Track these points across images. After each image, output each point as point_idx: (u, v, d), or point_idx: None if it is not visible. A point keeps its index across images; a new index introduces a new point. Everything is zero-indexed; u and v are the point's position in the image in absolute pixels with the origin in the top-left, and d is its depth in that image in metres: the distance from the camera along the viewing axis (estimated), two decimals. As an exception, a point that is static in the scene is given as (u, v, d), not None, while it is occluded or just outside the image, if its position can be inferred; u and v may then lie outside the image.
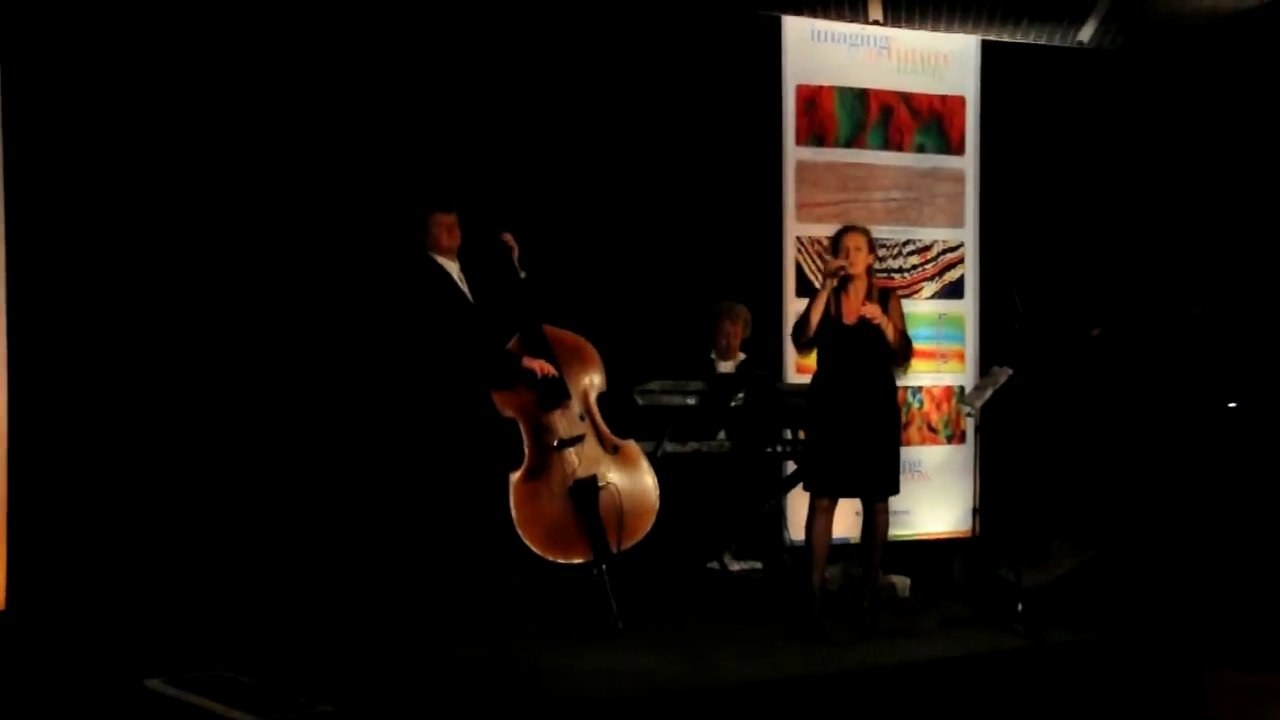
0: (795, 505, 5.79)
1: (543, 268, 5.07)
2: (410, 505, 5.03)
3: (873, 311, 4.71)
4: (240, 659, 4.20)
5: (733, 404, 5.28)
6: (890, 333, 4.72)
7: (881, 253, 6.13)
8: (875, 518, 4.86)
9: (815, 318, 4.80)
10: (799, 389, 5.23)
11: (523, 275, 4.92)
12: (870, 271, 4.85)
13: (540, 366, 4.78)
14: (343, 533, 5.33)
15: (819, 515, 4.80)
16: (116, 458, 5.03)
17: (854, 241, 4.81)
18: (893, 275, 6.19)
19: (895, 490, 4.85)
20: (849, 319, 4.80)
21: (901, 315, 4.84)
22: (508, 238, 4.92)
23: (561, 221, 5.83)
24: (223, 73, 5.27)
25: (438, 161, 5.61)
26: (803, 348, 4.92)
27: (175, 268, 5.22)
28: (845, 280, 4.82)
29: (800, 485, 5.11)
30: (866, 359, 4.77)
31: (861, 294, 4.81)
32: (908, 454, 6.15)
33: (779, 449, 5.51)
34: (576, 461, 4.82)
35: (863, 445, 4.74)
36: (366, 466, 5.43)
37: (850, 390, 4.76)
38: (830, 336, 4.82)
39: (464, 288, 4.84)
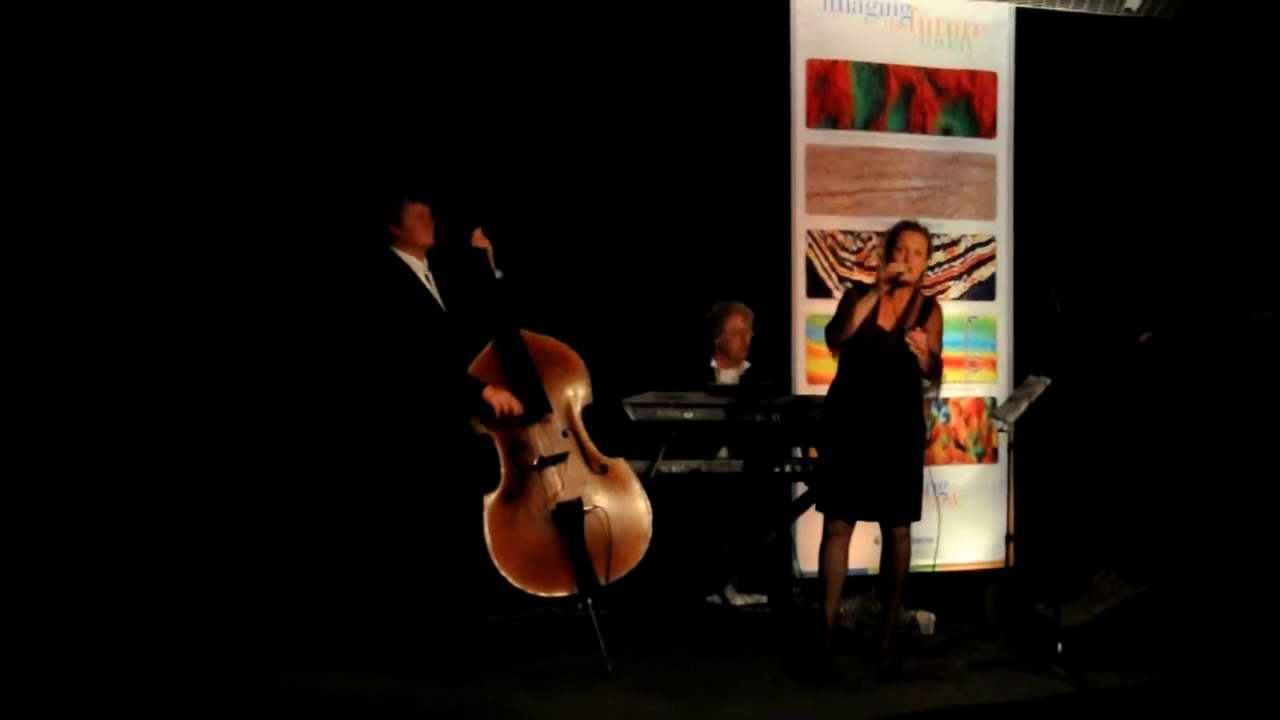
0: (806, 532, 5.77)
1: (520, 266, 5.04)
2: (373, 531, 5.04)
3: (919, 342, 4.71)
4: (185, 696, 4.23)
5: (760, 419, 5.26)
6: (924, 360, 4.73)
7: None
8: (896, 545, 4.83)
9: (860, 318, 4.77)
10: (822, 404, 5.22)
11: (498, 275, 4.90)
12: (926, 270, 4.88)
13: (503, 403, 4.72)
14: (297, 561, 5.34)
15: (834, 540, 4.78)
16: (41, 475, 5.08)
17: (915, 243, 4.79)
18: (920, 328, 6.17)
19: (917, 515, 4.83)
20: (885, 323, 4.80)
21: (940, 332, 4.84)
22: (480, 236, 4.90)
23: (541, 214, 5.80)
24: (177, 51, 5.34)
25: (402, 143, 5.60)
26: (837, 348, 4.90)
27: (120, 259, 5.29)
28: (895, 283, 4.81)
29: (812, 508, 5.08)
30: (895, 369, 4.76)
31: (905, 300, 4.81)
32: (933, 474, 6.08)
33: (788, 468, 5.50)
34: (559, 483, 4.81)
35: (883, 464, 4.72)
36: (325, 489, 5.44)
37: (873, 402, 4.74)
38: (860, 341, 4.81)
39: (433, 290, 4.81)
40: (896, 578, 4.85)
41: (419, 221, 4.76)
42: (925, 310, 4.84)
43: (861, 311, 4.78)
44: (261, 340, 5.48)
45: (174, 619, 4.95)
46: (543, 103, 5.85)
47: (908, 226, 4.84)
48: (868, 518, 4.83)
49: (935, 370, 4.82)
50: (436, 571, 4.62)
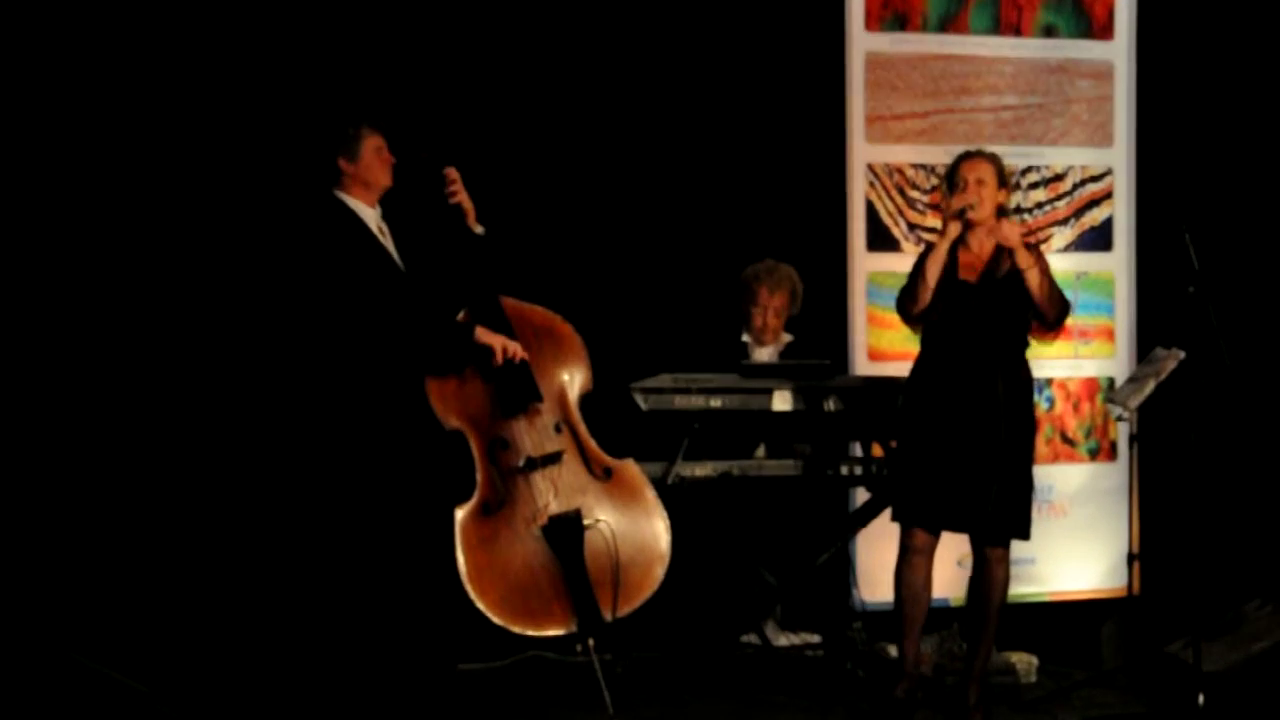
0: (869, 551, 5.77)
1: (501, 213, 5.03)
2: (311, 555, 5.03)
3: (1010, 234, 4.73)
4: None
5: (808, 407, 5.28)
6: (1034, 279, 4.72)
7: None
8: (991, 569, 4.82)
9: (933, 276, 4.78)
10: (892, 386, 5.23)
11: (479, 231, 4.91)
12: (1003, 213, 4.87)
13: (504, 344, 4.77)
14: (211, 591, 5.39)
15: (913, 558, 4.79)
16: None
17: (975, 172, 4.81)
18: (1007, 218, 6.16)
19: (1024, 533, 4.84)
20: (968, 276, 4.82)
21: (1055, 284, 4.85)
22: (451, 174, 4.89)
23: (528, 144, 5.80)
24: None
25: (346, 57, 5.61)
26: (915, 321, 4.91)
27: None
28: (966, 227, 4.82)
29: (876, 522, 5.10)
30: (995, 334, 4.77)
31: (988, 246, 4.83)
32: (1034, 476, 6.13)
33: (845, 471, 5.47)
34: (551, 491, 4.81)
35: (979, 462, 4.73)
36: (249, 501, 5.47)
37: (969, 379, 4.75)
38: (945, 303, 4.81)
39: (388, 245, 4.81)
40: (990, 610, 4.85)
41: (378, 157, 4.75)
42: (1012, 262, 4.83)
43: (934, 268, 4.78)
44: (153, 311, 5.51)
45: (42, 667, 4.96)
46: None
47: (968, 156, 4.88)
48: (956, 528, 4.85)
49: (1057, 302, 4.79)
50: (393, 607, 4.62)
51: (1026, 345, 4.87)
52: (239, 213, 5.50)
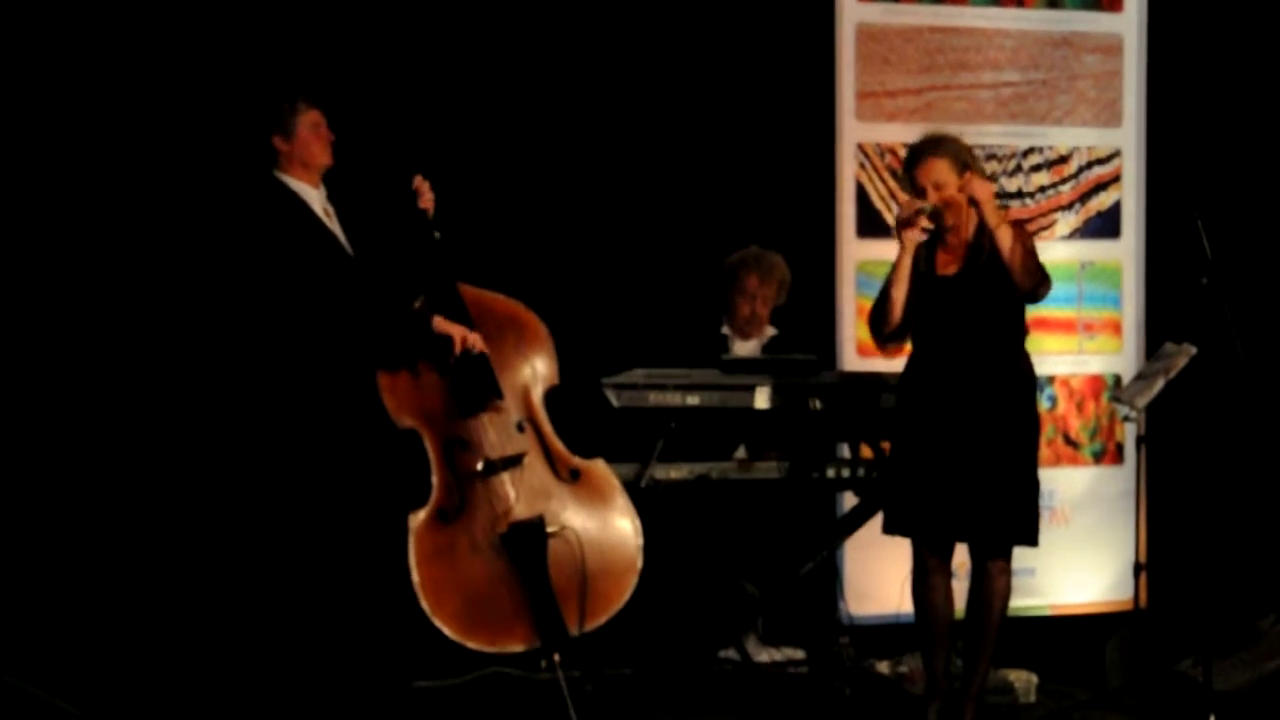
0: (857, 561, 5.79)
1: (461, 196, 5.03)
2: (255, 565, 5.04)
3: (978, 190, 4.65)
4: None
5: (792, 405, 5.28)
6: (1005, 238, 4.63)
7: (993, 166, 6.13)
8: (990, 582, 4.81)
9: (900, 295, 4.78)
10: (884, 383, 5.24)
11: (437, 235, 4.89)
12: (973, 200, 4.81)
13: (464, 334, 4.74)
14: (150, 605, 5.38)
15: (931, 578, 4.82)
16: None
17: (930, 175, 4.76)
18: (1006, 203, 6.13)
19: (1030, 538, 4.81)
20: (949, 269, 4.80)
21: (1032, 251, 4.79)
22: (421, 185, 4.87)
23: (488, 122, 5.79)
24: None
25: (284, 29, 5.58)
26: (888, 341, 4.91)
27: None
28: (939, 220, 4.79)
29: (873, 524, 5.10)
30: (984, 327, 4.75)
31: (968, 230, 4.80)
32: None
33: (831, 473, 5.47)
34: (513, 495, 4.79)
35: (977, 465, 4.72)
36: (187, 508, 5.46)
37: (962, 378, 4.74)
38: (926, 302, 4.80)
39: (334, 228, 4.78)
40: (989, 625, 4.84)
41: (315, 134, 4.73)
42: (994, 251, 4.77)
43: (899, 288, 4.79)
44: (84, 305, 5.48)
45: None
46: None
47: (919, 151, 4.80)
48: (951, 538, 4.85)
49: (1033, 271, 4.70)
50: (342, 621, 4.60)
51: (1023, 335, 4.84)
52: (173, 197, 5.48)
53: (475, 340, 4.75)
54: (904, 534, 4.83)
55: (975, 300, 4.75)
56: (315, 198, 4.74)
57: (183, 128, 5.53)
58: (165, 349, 5.53)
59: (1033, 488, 4.82)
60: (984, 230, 4.76)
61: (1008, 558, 4.82)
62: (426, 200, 4.88)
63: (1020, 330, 4.84)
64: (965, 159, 4.80)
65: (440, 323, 4.74)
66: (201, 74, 5.55)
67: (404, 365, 4.78)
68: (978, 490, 4.72)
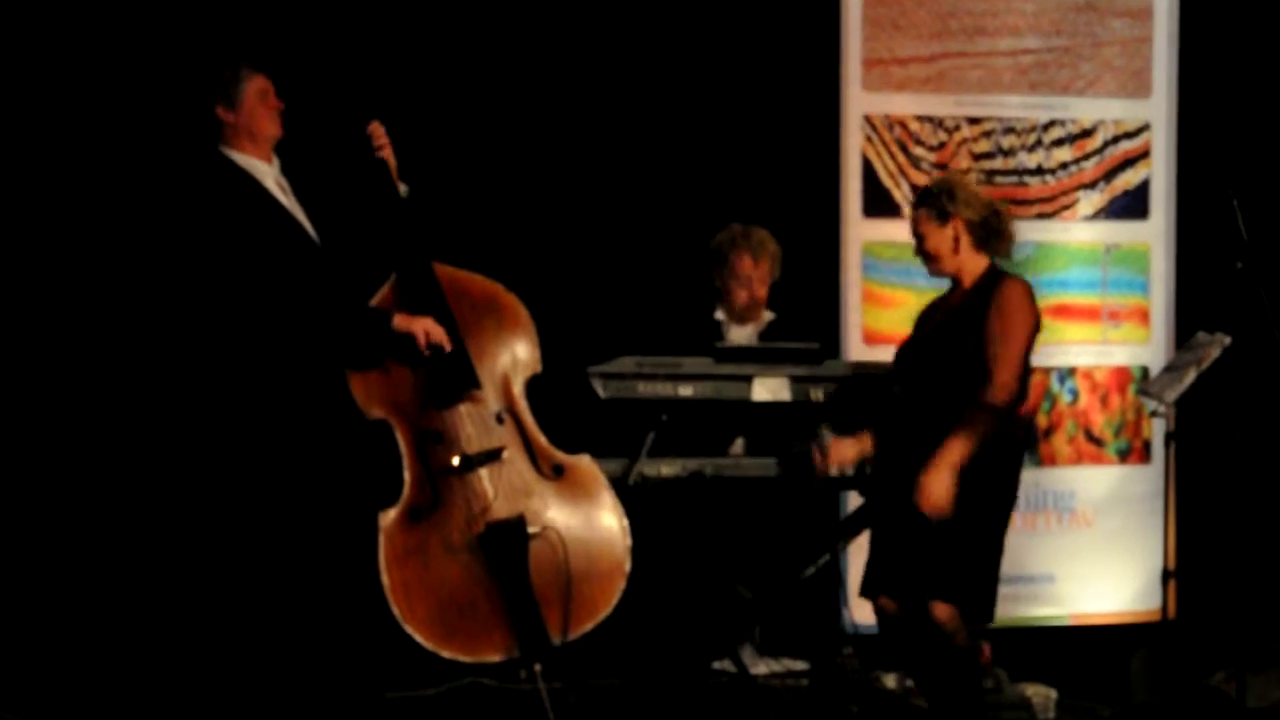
0: (861, 566, 5.74)
1: (435, 169, 5.08)
2: (216, 565, 5.10)
3: (925, 495, 4.61)
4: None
5: (793, 396, 5.31)
6: (932, 485, 4.60)
7: (1012, 141, 6.18)
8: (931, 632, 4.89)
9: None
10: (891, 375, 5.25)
11: (403, 191, 4.92)
12: (976, 239, 4.80)
13: (426, 328, 4.76)
14: (105, 615, 5.42)
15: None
16: None
17: (914, 223, 4.88)
18: (1025, 181, 6.22)
19: (978, 610, 4.76)
20: (932, 324, 4.90)
21: (1013, 333, 4.69)
22: (378, 132, 4.90)
23: (463, 92, 5.83)
24: None
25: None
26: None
27: None
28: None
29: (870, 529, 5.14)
30: (954, 387, 4.71)
31: (968, 281, 4.82)
32: (1054, 480, 6.22)
33: (834, 471, 5.47)
34: (491, 492, 4.82)
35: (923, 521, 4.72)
36: (142, 508, 5.51)
37: (918, 431, 4.78)
38: (908, 360, 4.92)
39: (289, 203, 4.79)
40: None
41: (262, 103, 4.74)
42: (990, 288, 4.75)
43: None
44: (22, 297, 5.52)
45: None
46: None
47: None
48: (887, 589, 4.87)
49: (986, 394, 4.65)
50: (307, 627, 4.63)
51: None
52: (109, 180, 5.51)
53: (439, 336, 4.76)
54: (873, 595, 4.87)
55: (942, 348, 4.79)
56: (267, 172, 4.75)
57: (113, 100, 5.54)
58: (108, 342, 5.57)
59: (990, 556, 4.74)
60: (982, 282, 4.79)
61: (952, 605, 4.70)
62: (384, 148, 4.88)
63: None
64: (944, 207, 4.80)
65: (401, 320, 4.74)
66: (131, 38, 5.56)
67: (364, 366, 4.79)
68: (928, 541, 4.67)
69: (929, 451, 4.64)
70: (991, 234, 4.81)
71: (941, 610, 4.66)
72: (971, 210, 4.80)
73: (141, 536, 5.53)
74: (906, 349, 4.94)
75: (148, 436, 5.55)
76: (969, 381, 4.67)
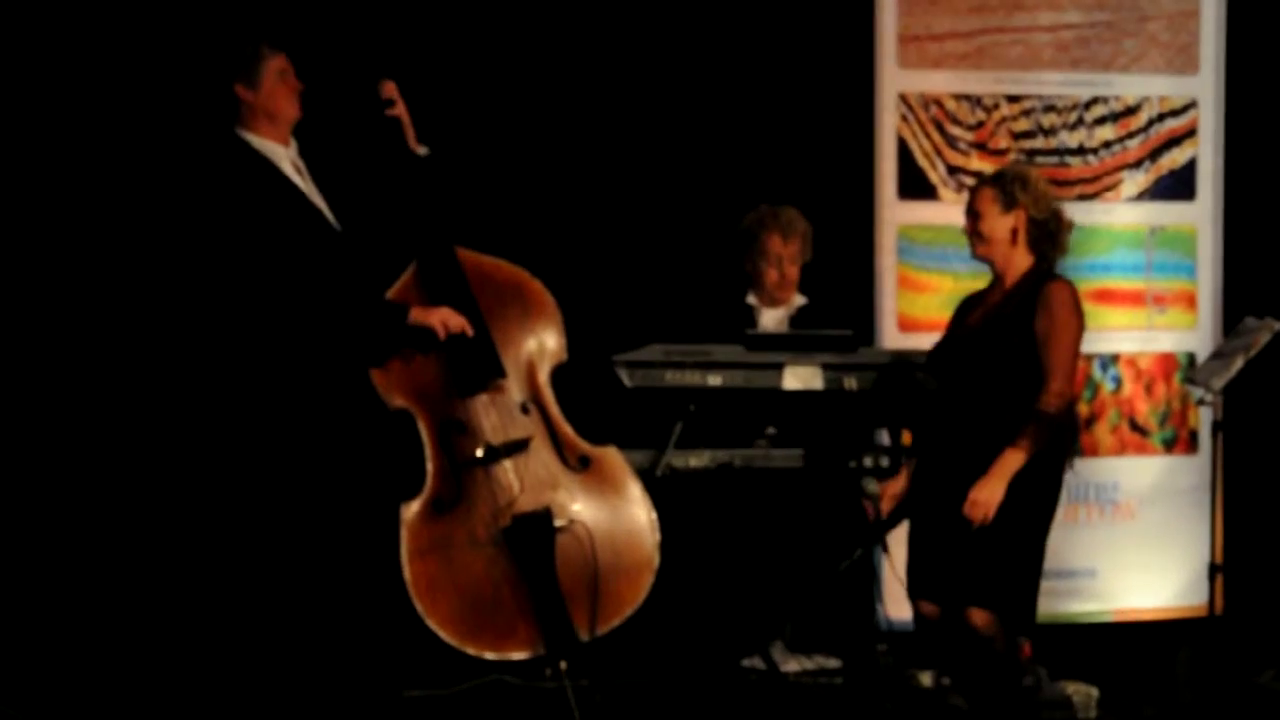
0: (899, 559, 5.85)
1: (460, 155, 5.08)
2: (232, 559, 5.14)
3: (979, 507, 4.68)
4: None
5: (826, 385, 5.31)
6: (983, 494, 4.67)
7: (1052, 120, 6.17)
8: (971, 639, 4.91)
9: None
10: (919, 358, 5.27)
11: (421, 152, 4.92)
12: (1030, 237, 4.84)
13: (443, 319, 4.78)
14: (116, 608, 5.48)
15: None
16: None
17: (974, 200, 4.90)
18: (1067, 161, 6.21)
19: (1019, 616, 4.82)
20: (974, 320, 4.92)
21: (1060, 332, 4.76)
22: (390, 90, 4.93)
23: (484, 63, 5.87)
24: None
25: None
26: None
27: None
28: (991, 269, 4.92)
29: (907, 525, 5.16)
30: (998, 386, 4.76)
31: (1012, 276, 4.86)
32: (1095, 471, 6.22)
33: (868, 463, 5.48)
34: (516, 484, 4.85)
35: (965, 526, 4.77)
36: (155, 501, 5.57)
37: (965, 439, 4.82)
38: (949, 356, 4.95)
39: (307, 187, 4.81)
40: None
41: (281, 82, 4.75)
42: (1035, 289, 4.79)
43: None
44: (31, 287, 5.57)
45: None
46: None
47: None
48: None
49: (1043, 402, 4.71)
50: (326, 623, 4.66)
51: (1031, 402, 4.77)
52: (125, 162, 5.55)
53: (459, 323, 4.78)
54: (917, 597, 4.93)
55: (986, 352, 4.81)
56: (284, 155, 4.76)
57: (127, 83, 5.58)
58: (121, 332, 5.61)
59: (1032, 565, 4.80)
60: (1027, 281, 4.82)
61: (992, 612, 4.76)
62: (397, 105, 4.90)
63: (1036, 389, 4.78)
64: (1014, 194, 4.83)
65: (418, 313, 4.75)
66: (145, 20, 5.60)
67: (381, 361, 4.82)
68: (968, 546, 4.74)
69: (973, 458, 4.70)
70: (1047, 237, 4.85)
71: (980, 617, 4.72)
72: (1038, 208, 4.83)
73: (157, 530, 5.57)
74: (944, 346, 4.96)
75: (162, 427, 5.58)
76: (1016, 386, 4.72)
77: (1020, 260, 4.86)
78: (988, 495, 4.65)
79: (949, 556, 4.76)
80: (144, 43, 5.58)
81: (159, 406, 5.59)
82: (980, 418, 4.75)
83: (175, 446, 5.57)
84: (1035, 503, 4.76)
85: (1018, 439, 4.64)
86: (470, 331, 4.81)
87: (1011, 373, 4.75)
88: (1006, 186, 4.85)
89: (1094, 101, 6.27)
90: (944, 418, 4.88)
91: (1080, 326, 4.78)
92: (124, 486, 5.58)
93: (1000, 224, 4.85)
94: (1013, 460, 4.64)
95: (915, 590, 4.91)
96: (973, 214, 4.88)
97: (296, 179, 4.78)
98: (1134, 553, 6.17)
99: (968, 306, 4.99)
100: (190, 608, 5.45)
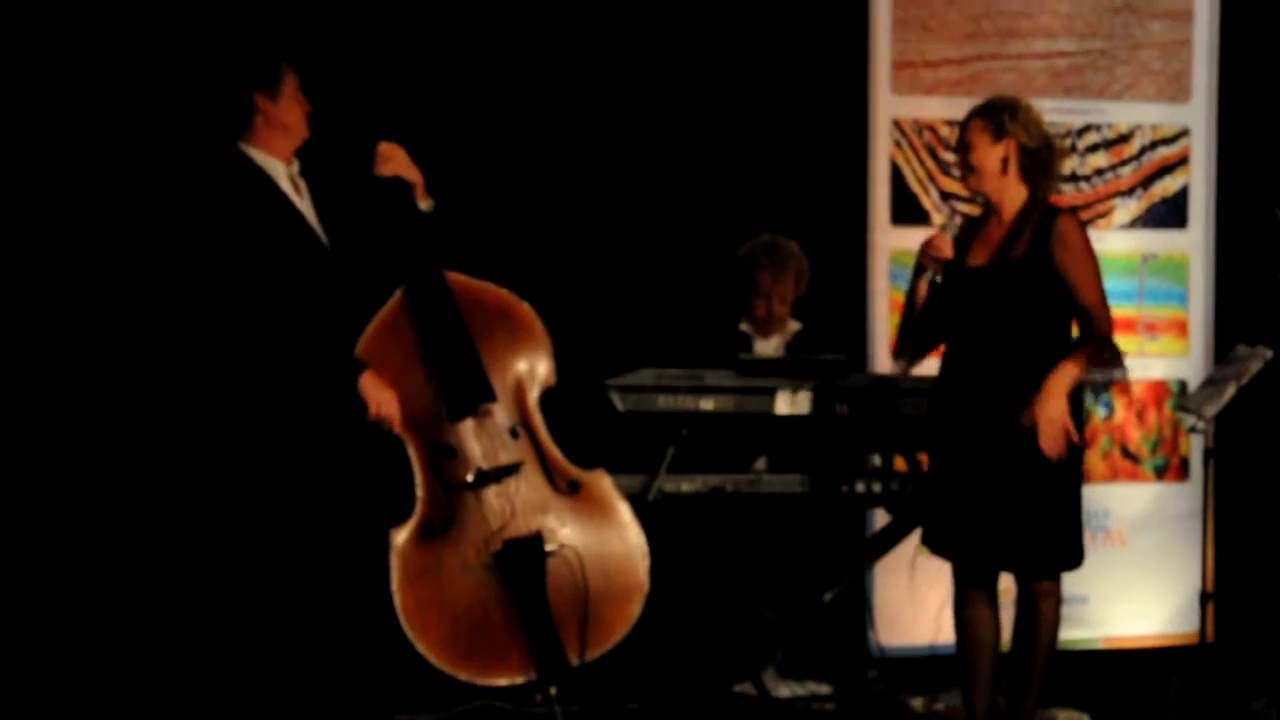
0: (888, 585, 5.84)
1: (451, 176, 5.08)
2: (218, 583, 5.11)
3: (1049, 425, 4.66)
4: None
5: (818, 410, 5.34)
6: (1051, 412, 4.67)
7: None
8: (1036, 606, 4.84)
9: (916, 314, 4.90)
10: (920, 387, 5.26)
11: (426, 206, 4.91)
12: (1023, 166, 4.85)
13: (380, 402, 4.69)
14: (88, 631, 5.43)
15: (969, 593, 4.85)
16: None
17: (964, 134, 4.85)
18: (1059, 188, 6.20)
19: (1073, 560, 4.85)
20: (979, 259, 4.86)
21: (1087, 259, 4.80)
22: (387, 153, 4.90)
23: (482, 94, 5.86)
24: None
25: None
26: (913, 360, 5.04)
27: None
28: (984, 202, 4.87)
29: (906, 545, 5.14)
30: (1012, 329, 4.77)
31: (1009, 212, 4.84)
32: (1089, 498, 6.17)
33: (861, 488, 5.50)
34: (506, 509, 4.84)
35: (1008, 486, 4.74)
36: (132, 522, 5.51)
37: (986, 385, 4.79)
38: (954, 296, 4.84)
39: (303, 206, 4.80)
40: (1036, 656, 4.85)
41: (296, 101, 4.76)
42: (1047, 227, 4.77)
43: (918, 304, 4.89)
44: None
45: None
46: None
47: (969, 119, 4.86)
48: (987, 563, 4.89)
49: (1094, 330, 4.79)
50: (314, 648, 4.64)
51: (1068, 338, 4.80)
52: (119, 171, 5.52)
53: (390, 416, 4.71)
54: (942, 555, 4.89)
55: (1003, 297, 4.76)
56: (282, 171, 4.75)
57: (121, 94, 5.56)
58: (108, 339, 5.55)
59: (1075, 504, 4.83)
60: (1027, 215, 4.80)
61: (1055, 578, 4.83)
62: (391, 163, 4.87)
63: (1063, 333, 4.81)
64: (1003, 123, 4.79)
65: (366, 382, 4.69)
66: (153, 34, 5.59)
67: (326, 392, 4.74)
68: (1012, 510, 4.73)
69: (1001, 404, 4.69)
70: (1039, 166, 4.81)
71: (1046, 585, 4.79)
72: (1028, 136, 4.80)
73: (141, 551, 5.52)
74: (948, 288, 4.88)
75: (146, 444, 5.54)
76: (1038, 329, 4.74)
77: (1015, 191, 4.82)
78: (1053, 411, 4.64)
79: (1005, 529, 4.74)
80: (155, 47, 5.57)
81: (147, 418, 5.54)
82: (1002, 363, 4.74)
83: (161, 464, 5.52)
84: (1066, 457, 4.74)
85: (1074, 353, 4.69)
86: (397, 429, 4.77)
87: (1032, 315, 4.74)
88: (995, 116, 4.82)
89: (1087, 129, 6.28)
90: (959, 374, 4.83)
91: (1094, 250, 4.81)
92: (109, 505, 5.53)
93: (991, 154, 4.80)
94: (1069, 374, 4.66)
95: (977, 567, 4.86)
96: (963, 146, 4.84)
97: (293, 195, 4.77)
98: (1125, 580, 6.16)
99: (963, 243, 4.90)
100: (180, 632, 5.41)
